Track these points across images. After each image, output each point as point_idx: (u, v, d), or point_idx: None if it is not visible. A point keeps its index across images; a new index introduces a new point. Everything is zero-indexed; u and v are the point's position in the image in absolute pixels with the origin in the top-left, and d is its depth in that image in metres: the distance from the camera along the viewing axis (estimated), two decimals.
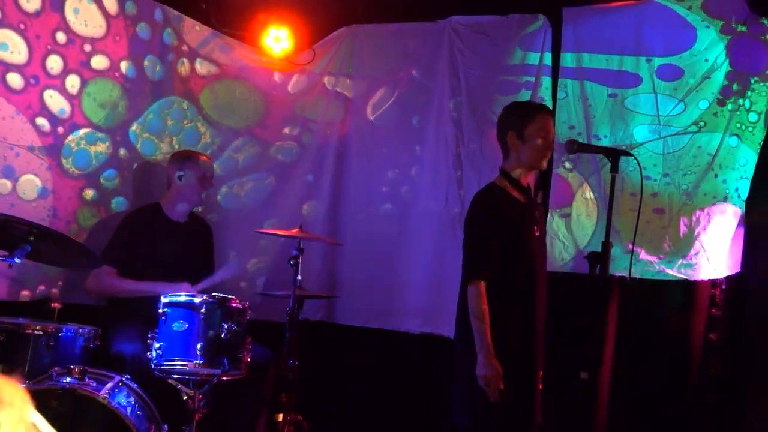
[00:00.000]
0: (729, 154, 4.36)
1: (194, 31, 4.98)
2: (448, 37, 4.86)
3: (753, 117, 4.34)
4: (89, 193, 4.61)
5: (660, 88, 4.48)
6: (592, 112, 4.56)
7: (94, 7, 4.52)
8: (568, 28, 4.60)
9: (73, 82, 4.46)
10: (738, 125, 4.35)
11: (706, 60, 4.40)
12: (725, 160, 4.36)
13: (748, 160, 4.34)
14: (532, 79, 4.66)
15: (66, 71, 4.43)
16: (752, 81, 4.34)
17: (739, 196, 4.35)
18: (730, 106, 4.36)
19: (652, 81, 4.48)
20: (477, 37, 4.80)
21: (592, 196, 4.56)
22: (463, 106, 4.79)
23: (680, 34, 4.44)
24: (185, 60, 4.95)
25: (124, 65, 4.66)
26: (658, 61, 4.50)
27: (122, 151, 4.73)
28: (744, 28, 4.35)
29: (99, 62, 4.56)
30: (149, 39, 4.78)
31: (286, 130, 5.23)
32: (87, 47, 4.49)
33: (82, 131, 4.54)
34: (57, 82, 4.41)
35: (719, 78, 4.38)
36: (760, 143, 4.32)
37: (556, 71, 4.65)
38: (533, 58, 4.68)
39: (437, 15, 4.94)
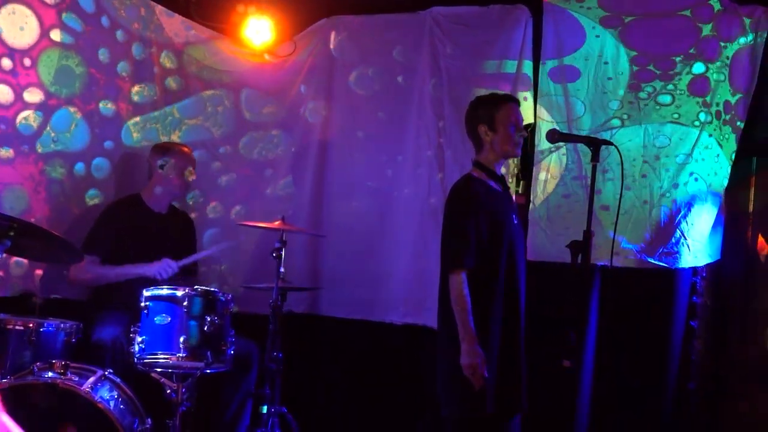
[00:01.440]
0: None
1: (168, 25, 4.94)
2: (429, 27, 4.86)
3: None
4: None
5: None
6: None
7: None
8: (549, 19, 4.62)
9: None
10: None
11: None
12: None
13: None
14: (513, 74, 4.68)
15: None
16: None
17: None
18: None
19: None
20: (457, 28, 4.80)
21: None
22: (444, 96, 4.80)
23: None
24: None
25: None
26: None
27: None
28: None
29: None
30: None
31: (268, 122, 5.22)
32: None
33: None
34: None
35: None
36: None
37: (537, 62, 4.67)
38: (512, 63, 4.70)
39: (418, 6, 4.93)
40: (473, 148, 3.75)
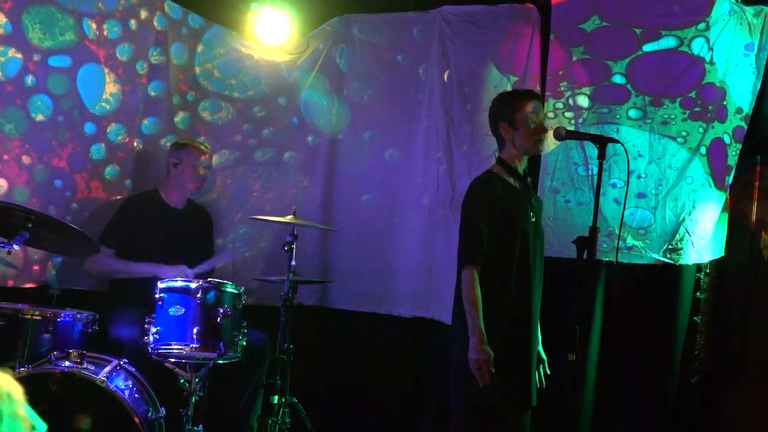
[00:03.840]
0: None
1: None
2: (439, 26, 4.89)
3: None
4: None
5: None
6: None
7: None
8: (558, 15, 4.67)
9: None
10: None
11: None
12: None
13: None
14: (521, 72, 4.72)
15: None
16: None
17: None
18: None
19: None
20: (467, 26, 4.83)
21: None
22: (453, 94, 4.84)
23: None
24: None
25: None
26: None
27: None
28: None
29: None
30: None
31: (281, 118, 5.29)
32: None
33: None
34: None
35: None
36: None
37: (545, 60, 4.71)
38: (521, 61, 4.74)
39: (428, 5, 4.98)
40: (496, 146, 3.75)
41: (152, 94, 4.89)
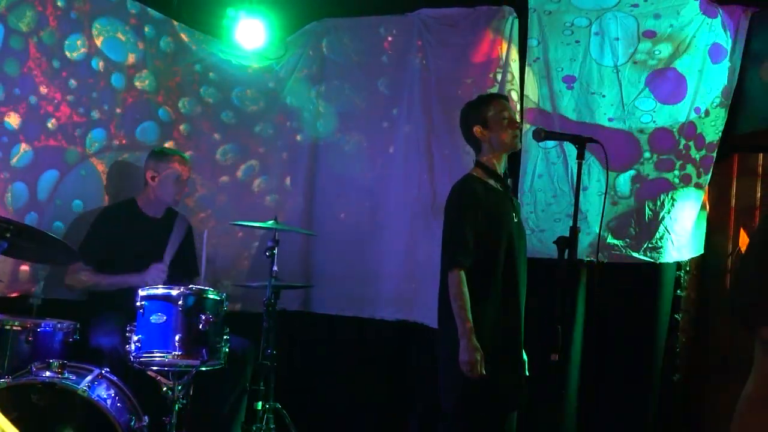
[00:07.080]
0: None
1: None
2: (418, 29, 4.92)
3: None
4: None
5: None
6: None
7: None
8: (534, 17, 4.70)
9: None
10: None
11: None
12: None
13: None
14: (500, 74, 4.74)
15: None
16: None
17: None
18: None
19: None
20: (445, 29, 4.86)
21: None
22: (432, 97, 4.86)
23: None
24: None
25: None
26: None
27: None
28: None
29: None
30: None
31: (261, 123, 5.28)
32: None
33: None
34: None
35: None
36: None
37: (523, 61, 4.74)
38: (499, 63, 4.76)
39: (407, 8, 5.00)
40: (473, 151, 3.79)
41: (128, 100, 4.87)
